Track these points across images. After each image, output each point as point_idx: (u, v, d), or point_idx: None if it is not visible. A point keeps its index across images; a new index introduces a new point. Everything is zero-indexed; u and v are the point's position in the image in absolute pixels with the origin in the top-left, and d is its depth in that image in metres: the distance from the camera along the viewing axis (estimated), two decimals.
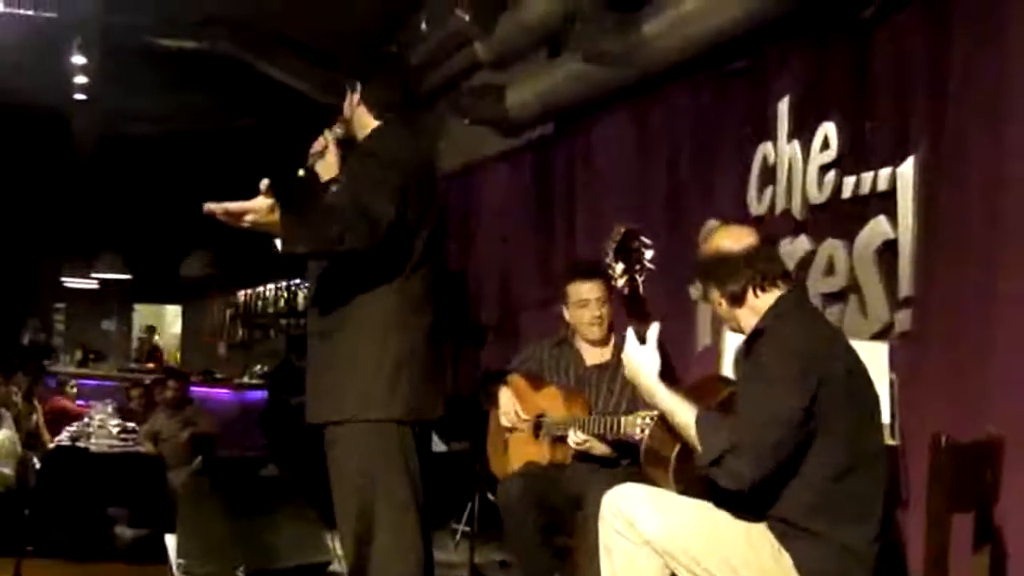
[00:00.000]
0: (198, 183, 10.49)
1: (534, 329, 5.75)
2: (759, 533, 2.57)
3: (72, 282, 14.63)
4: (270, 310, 13.62)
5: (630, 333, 2.74)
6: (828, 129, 4.00)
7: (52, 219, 12.94)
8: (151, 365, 12.59)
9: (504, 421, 3.94)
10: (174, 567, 4.05)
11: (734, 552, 2.55)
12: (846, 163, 3.94)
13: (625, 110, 5.43)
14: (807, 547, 2.52)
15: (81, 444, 6.36)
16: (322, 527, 4.23)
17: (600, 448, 3.66)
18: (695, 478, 2.64)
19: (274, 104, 8.94)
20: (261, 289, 13.88)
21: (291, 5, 7.34)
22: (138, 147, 11.19)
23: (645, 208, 5.12)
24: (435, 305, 3.13)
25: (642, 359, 2.70)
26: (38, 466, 5.97)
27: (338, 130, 3.26)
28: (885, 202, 3.74)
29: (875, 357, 3.28)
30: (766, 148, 4.34)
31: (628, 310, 2.75)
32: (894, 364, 3.48)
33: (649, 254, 2.70)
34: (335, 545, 3.95)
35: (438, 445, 5.35)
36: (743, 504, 2.57)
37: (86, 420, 6.93)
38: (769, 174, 4.33)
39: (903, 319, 3.66)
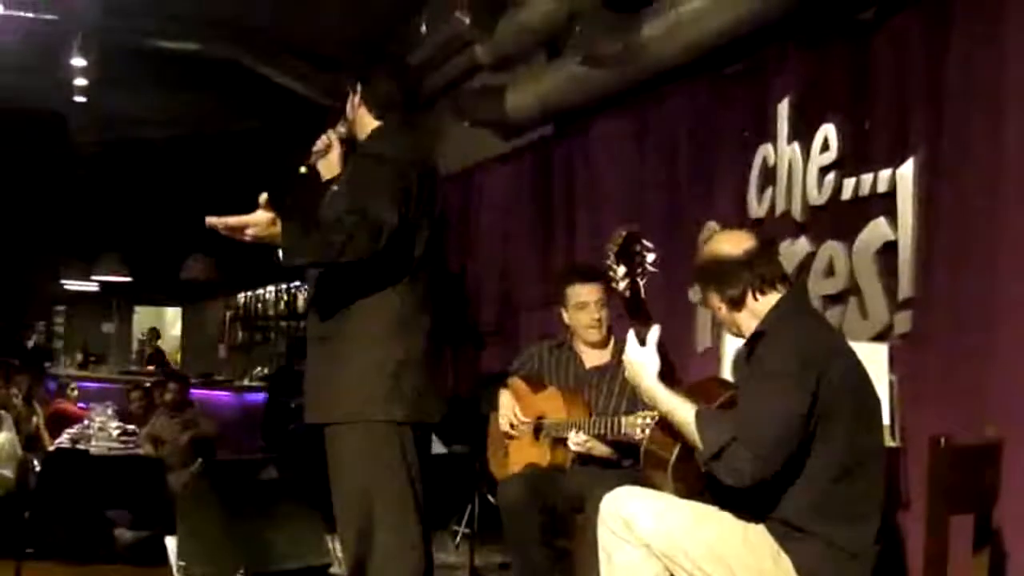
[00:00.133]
0: (198, 186, 10.53)
1: (534, 331, 5.75)
2: (759, 535, 2.57)
3: (72, 285, 14.63)
4: (270, 313, 13.63)
5: (631, 335, 2.74)
6: (828, 130, 4.00)
7: (52, 222, 12.93)
8: (151, 368, 12.57)
9: (504, 424, 3.94)
10: (174, 569, 4.06)
11: (733, 554, 2.55)
12: (846, 164, 3.94)
13: (625, 112, 5.42)
14: (807, 549, 2.52)
15: (81, 446, 6.35)
16: (322, 529, 4.24)
17: (600, 449, 3.67)
18: (695, 480, 2.65)
19: (275, 107, 8.94)
20: (261, 291, 13.88)
21: (292, 8, 7.34)
22: (138, 149, 11.18)
23: (645, 210, 5.11)
24: (435, 307, 3.13)
25: (643, 361, 2.71)
26: (38, 468, 5.96)
27: (341, 129, 3.27)
28: (885, 203, 3.74)
29: (875, 358, 3.29)
30: (766, 149, 4.34)
31: (629, 313, 2.75)
32: (894, 365, 3.48)
33: (651, 257, 2.70)
34: (335, 547, 3.96)
35: (438, 447, 5.34)
36: (743, 505, 2.57)
37: (86, 422, 6.92)
38: (769, 175, 4.32)
39: (903, 320, 3.66)
